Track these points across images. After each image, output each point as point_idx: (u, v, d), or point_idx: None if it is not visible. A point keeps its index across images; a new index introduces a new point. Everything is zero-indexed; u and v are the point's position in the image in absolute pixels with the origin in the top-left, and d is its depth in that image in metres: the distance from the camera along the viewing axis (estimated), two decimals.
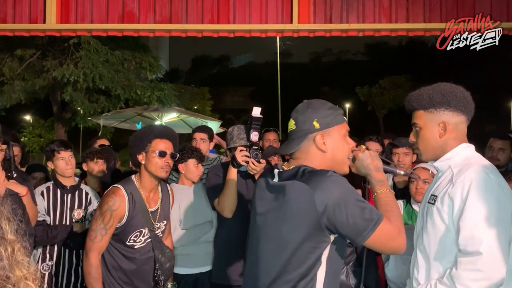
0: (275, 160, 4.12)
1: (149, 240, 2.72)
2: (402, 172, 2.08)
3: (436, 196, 1.91)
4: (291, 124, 1.83)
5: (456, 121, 1.91)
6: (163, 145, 2.67)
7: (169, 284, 2.92)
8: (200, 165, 3.32)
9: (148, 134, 2.72)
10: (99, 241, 2.55)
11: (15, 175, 2.89)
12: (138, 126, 8.60)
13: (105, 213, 2.55)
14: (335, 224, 1.60)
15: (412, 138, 2.02)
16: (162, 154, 2.64)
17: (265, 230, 1.76)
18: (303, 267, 1.64)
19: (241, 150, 2.81)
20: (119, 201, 2.57)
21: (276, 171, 1.83)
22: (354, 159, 1.84)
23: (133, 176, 2.74)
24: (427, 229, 1.91)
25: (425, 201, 2.02)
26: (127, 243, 2.66)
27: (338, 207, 1.59)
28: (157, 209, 2.77)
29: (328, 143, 1.77)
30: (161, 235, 2.82)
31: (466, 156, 1.90)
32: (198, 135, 4.16)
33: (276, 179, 1.79)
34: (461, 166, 1.86)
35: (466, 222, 1.74)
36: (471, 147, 1.94)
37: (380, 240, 1.61)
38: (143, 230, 2.69)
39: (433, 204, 1.90)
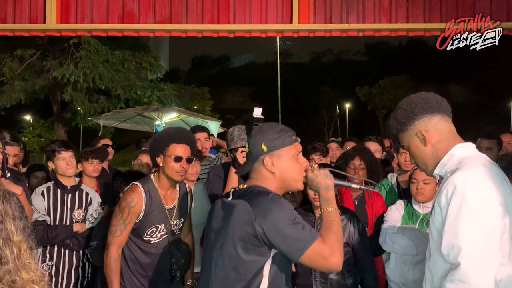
0: None
1: (166, 236, 2.83)
2: (356, 186, 2.13)
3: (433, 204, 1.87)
4: (246, 147, 1.98)
5: (432, 123, 1.83)
6: (180, 149, 2.74)
7: (189, 281, 3.04)
8: (197, 164, 3.35)
9: (166, 138, 2.80)
10: (118, 235, 2.68)
11: (8, 175, 2.89)
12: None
13: (124, 209, 2.68)
14: (271, 241, 1.73)
15: (407, 157, 2.03)
16: (178, 159, 2.72)
17: (215, 246, 1.88)
18: (245, 280, 1.78)
19: (242, 151, 2.82)
20: (137, 198, 2.69)
21: (231, 190, 1.97)
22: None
23: (152, 175, 2.85)
24: (430, 238, 1.86)
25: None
26: (144, 238, 2.76)
27: (275, 227, 1.72)
28: (174, 207, 2.86)
29: (276, 164, 1.89)
30: (178, 232, 2.91)
31: (462, 157, 1.80)
32: (202, 135, 4.17)
33: (230, 198, 1.92)
34: (453, 169, 1.78)
35: (447, 229, 1.66)
36: (469, 146, 1.86)
37: (314, 259, 1.73)
38: (159, 226, 2.79)
39: (430, 212, 1.87)
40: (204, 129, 4.30)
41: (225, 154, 4.73)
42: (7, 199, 1.07)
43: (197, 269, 3.21)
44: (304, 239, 1.72)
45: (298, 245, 1.72)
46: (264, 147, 1.89)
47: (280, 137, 1.90)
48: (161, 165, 2.77)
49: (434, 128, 1.84)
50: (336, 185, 1.97)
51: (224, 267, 1.82)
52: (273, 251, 1.78)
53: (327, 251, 1.73)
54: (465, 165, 1.75)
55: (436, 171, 1.89)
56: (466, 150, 1.83)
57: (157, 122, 9.19)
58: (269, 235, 1.72)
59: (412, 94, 1.93)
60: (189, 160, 2.77)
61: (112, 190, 3.57)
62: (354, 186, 2.13)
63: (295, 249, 1.72)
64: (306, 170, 1.94)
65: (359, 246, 2.83)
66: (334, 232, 1.79)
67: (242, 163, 2.83)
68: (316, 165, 1.96)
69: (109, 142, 4.77)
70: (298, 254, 1.72)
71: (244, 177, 2.94)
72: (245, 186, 1.93)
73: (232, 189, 1.97)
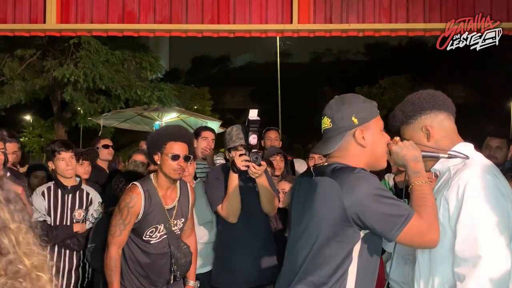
0: (277, 160, 4.12)
1: (165, 236, 2.81)
2: (445, 156, 1.85)
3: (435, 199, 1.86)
4: (327, 122, 1.79)
5: (438, 120, 1.85)
6: (177, 147, 2.72)
7: (191, 282, 3.03)
8: (190, 165, 3.36)
9: (163, 136, 2.78)
10: (118, 235, 2.68)
11: (8, 174, 2.89)
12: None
13: (123, 210, 2.67)
14: (363, 221, 1.59)
15: None
16: (175, 157, 2.70)
17: (300, 229, 1.75)
18: (333, 263, 1.64)
19: (240, 155, 2.79)
20: (136, 198, 2.68)
21: (311, 167, 1.83)
22: (390, 153, 1.82)
23: (151, 174, 2.83)
24: None
25: None
26: (143, 238, 2.75)
27: (366, 204, 1.58)
28: (174, 206, 2.84)
29: (367, 138, 1.75)
30: (178, 232, 2.89)
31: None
32: (210, 135, 4.22)
33: (313, 176, 1.77)
34: (459, 166, 1.81)
35: (462, 226, 1.65)
36: (470, 146, 1.87)
37: (411, 236, 1.60)
38: (159, 226, 2.78)
39: None
40: (213, 131, 4.35)
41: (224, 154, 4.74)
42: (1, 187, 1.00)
43: (200, 270, 3.21)
44: (400, 215, 1.58)
45: (393, 222, 1.57)
46: (354, 120, 1.72)
47: (368, 107, 1.76)
48: (158, 163, 2.75)
49: (439, 124, 1.85)
50: (423, 156, 1.80)
51: (309, 249, 1.68)
52: (362, 232, 1.64)
53: (424, 227, 1.60)
54: (475, 163, 1.76)
55: (436, 167, 1.88)
56: (468, 149, 1.84)
57: (157, 122, 9.20)
58: (361, 213, 1.58)
59: (422, 90, 1.94)
60: (186, 158, 2.75)
61: (109, 189, 3.56)
62: (442, 155, 1.87)
63: (391, 227, 1.57)
64: (388, 144, 1.80)
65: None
66: (429, 206, 1.65)
67: (241, 167, 2.78)
68: (398, 138, 1.83)
69: (109, 143, 4.76)
70: (395, 232, 1.57)
71: (243, 178, 2.92)
72: (325, 164, 1.76)
73: (312, 167, 1.83)
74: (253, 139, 2.76)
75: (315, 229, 1.67)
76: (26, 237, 1.00)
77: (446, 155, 1.84)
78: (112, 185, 3.33)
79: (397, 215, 1.58)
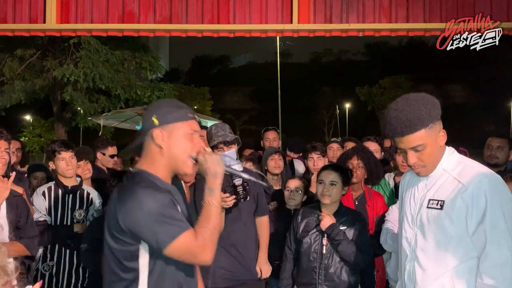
0: (275, 158, 4.13)
1: None
2: (246, 176, 2.01)
3: (440, 201, 1.88)
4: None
5: (441, 126, 1.93)
6: None
7: None
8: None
9: None
10: None
11: (14, 173, 2.89)
12: (138, 128, 8.60)
13: None
14: (136, 234, 1.65)
15: (414, 160, 1.90)
16: None
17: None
18: (121, 276, 1.71)
19: (226, 197, 2.74)
20: None
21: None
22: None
23: None
24: (435, 234, 1.89)
25: (418, 206, 1.99)
26: None
27: (135, 220, 1.64)
28: None
29: (166, 139, 1.75)
30: None
31: (457, 159, 1.94)
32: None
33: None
34: (459, 168, 1.89)
35: (490, 225, 1.76)
36: (454, 149, 1.98)
37: (180, 253, 1.66)
38: None
39: (440, 209, 1.87)
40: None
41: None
42: None
43: None
44: (168, 233, 1.63)
45: (161, 239, 1.63)
46: (155, 120, 1.76)
47: (174, 111, 1.78)
48: None
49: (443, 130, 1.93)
50: (227, 172, 1.84)
51: (106, 262, 1.76)
52: (143, 243, 1.69)
53: (196, 248, 1.65)
54: (474, 164, 1.92)
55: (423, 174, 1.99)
56: (456, 153, 1.97)
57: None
58: (132, 227, 1.64)
59: (422, 94, 1.92)
60: None
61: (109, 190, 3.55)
62: (245, 176, 2.01)
63: (159, 242, 1.63)
64: (198, 153, 1.78)
65: (355, 238, 2.87)
66: (209, 229, 1.68)
67: (225, 206, 2.77)
68: (209, 149, 1.85)
69: (115, 152, 4.71)
70: (162, 246, 1.63)
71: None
72: (135, 168, 1.83)
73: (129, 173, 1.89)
74: (237, 181, 2.73)
75: (106, 241, 1.76)
76: None
77: (248, 176, 2.00)
78: (107, 185, 3.30)
79: (165, 233, 1.63)
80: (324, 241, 2.86)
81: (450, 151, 1.95)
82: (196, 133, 1.81)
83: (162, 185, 1.77)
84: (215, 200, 1.74)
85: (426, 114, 1.83)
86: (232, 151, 2.96)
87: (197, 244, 1.65)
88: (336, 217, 2.92)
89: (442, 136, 1.89)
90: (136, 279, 1.71)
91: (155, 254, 1.70)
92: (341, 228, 2.88)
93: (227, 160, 2.58)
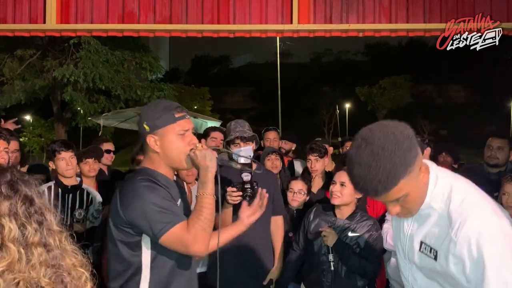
0: (272, 158, 4.12)
1: None
2: (239, 165, 2.15)
3: (433, 249, 1.56)
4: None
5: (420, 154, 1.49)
6: None
7: None
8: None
9: None
10: None
11: None
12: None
13: None
14: (137, 227, 1.77)
15: (396, 210, 1.52)
16: None
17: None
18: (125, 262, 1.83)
19: (233, 191, 2.74)
20: None
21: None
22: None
23: None
24: (432, 277, 1.62)
25: (409, 242, 1.66)
26: None
27: (133, 210, 1.75)
28: None
29: (160, 144, 1.86)
30: None
31: (443, 191, 1.52)
32: (219, 136, 4.24)
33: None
34: (448, 201, 1.50)
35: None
36: (433, 166, 1.58)
37: (173, 243, 1.73)
38: None
39: (434, 259, 1.55)
40: (222, 131, 4.35)
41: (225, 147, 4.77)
42: (41, 194, 1.19)
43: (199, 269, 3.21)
44: (162, 222, 1.71)
45: (155, 228, 1.72)
46: (146, 127, 1.87)
47: (162, 115, 1.86)
48: None
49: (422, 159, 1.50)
50: (219, 165, 1.90)
51: (110, 254, 1.88)
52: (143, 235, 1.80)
53: (188, 239, 1.72)
54: (469, 204, 1.48)
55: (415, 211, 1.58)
56: (437, 174, 1.55)
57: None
58: (131, 218, 1.76)
59: (389, 128, 1.43)
60: None
61: (110, 190, 3.57)
62: (237, 166, 2.14)
63: (154, 231, 1.72)
64: (191, 150, 1.87)
65: (366, 248, 2.83)
66: (201, 220, 1.75)
67: (230, 201, 2.76)
68: (202, 145, 1.91)
69: (112, 147, 4.72)
70: (156, 235, 1.72)
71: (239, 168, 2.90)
72: (140, 166, 1.97)
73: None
74: (245, 176, 2.73)
75: (110, 233, 1.90)
76: (67, 240, 1.20)
77: (239, 167, 2.13)
78: (117, 186, 3.34)
79: (159, 221, 1.72)
80: (330, 256, 2.78)
81: (433, 181, 1.53)
82: (188, 131, 1.89)
83: (164, 180, 1.87)
84: (207, 192, 1.81)
85: (401, 164, 1.38)
86: (248, 148, 2.98)
87: (188, 235, 1.72)
88: (350, 220, 2.87)
89: (424, 172, 1.50)
90: (138, 271, 1.81)
91: (157, 246, 1.78)
92: (352, 235, 2.81)
93: (235, 156, 2.71)
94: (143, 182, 1.78)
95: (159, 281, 1.82)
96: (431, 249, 1.56)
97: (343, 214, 2.91)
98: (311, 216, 3.02)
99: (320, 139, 5.13)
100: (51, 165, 3.43)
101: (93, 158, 3.89)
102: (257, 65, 71.48)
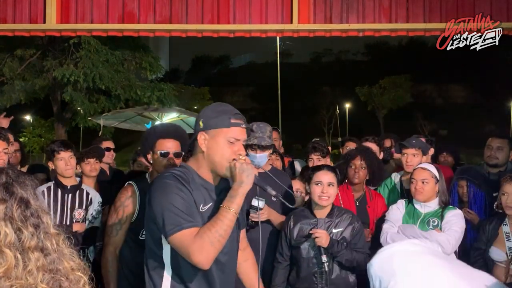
0: (272, 158, 4.11)
1: None
2: (273, 193, 2.00)
3: None
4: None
5: None
6: (167, 144, 2.71)
7: None
8: None
9: (152, 134, 2.80)
10: (114, 236, 2.65)
11: None
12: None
13: (118, 209, 2.66)
14: (155, 222, 1.82)
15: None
16: (164, 154, 2.70)
17: None
18: (156, 254, 1.89)
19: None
20: (130, 198, 2.67)
21: None
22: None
23: (146, 174, 2.84)
24: None
25: None
26: (140, 237, 2.71)
27: (154, 206, 1.81)
28: None
29: (208, 143, 1.88)
30: None
31: None
32: None
33: None
34: None
35: None
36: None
37: (179, 247, 1.76)
38: None
39: None
40: None
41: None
42: (38, 196, 1.17)
43: None
44: (172, 224, 1.74)
45: (166, 228, 1.75)
46: (201, 123, 1.89)
47: (218, 117, 1.88)
48: (151, 162, 2.76)
49: None
50: (256, 185, 1.89)
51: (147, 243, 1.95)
52: None
53: (192, 247, 1.71)
54: None
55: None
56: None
57: (157, 122, 9.19)
58: (152, 213, 1.82)
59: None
60: (177, 155, 2.72)
61: (111, 190, 3.57)
62: (271, 192, 1.99)
63: (164, 229, 1.76)
64: (233, 159, 1.85)
65: (353, 240, 2.84)
66: (211, 232, 1.73)
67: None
68: (246, 159, 1.87)
69: (111, 145, 4.71)
70: (166, 235, 1.76)
71: None
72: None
73: None
74: (254, 202, 2.72)
75: (147, 225, 1.98)
76: (65, 244, 1.17)
77: (274, 193, 1.97)
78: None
79: (170, 223, 1.76)
80: (324, 257, 2.74)
81: None
82: (239, 141, 1.88)
83: (200, 181, 1.88)
84: (231, 207, 1.77)
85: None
86: (264, 155, 2.96)
87: (193, 243, 1.71)
88: (330, 218, 2.87)
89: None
90: (162, 265, 1.86)
91: None
92: (336, 230, 2.82)
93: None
94: (168, 180, 1.81)
95: (179, 280, 1.84)
96: None
97: (322, 213, 2.89)
98: (291, 223, 2.93)
99: (319, 139, 5.12)
100: (51, 165, 3.43)
101: (95, 158, 3.88)
102: (257, 65, 71.43)
